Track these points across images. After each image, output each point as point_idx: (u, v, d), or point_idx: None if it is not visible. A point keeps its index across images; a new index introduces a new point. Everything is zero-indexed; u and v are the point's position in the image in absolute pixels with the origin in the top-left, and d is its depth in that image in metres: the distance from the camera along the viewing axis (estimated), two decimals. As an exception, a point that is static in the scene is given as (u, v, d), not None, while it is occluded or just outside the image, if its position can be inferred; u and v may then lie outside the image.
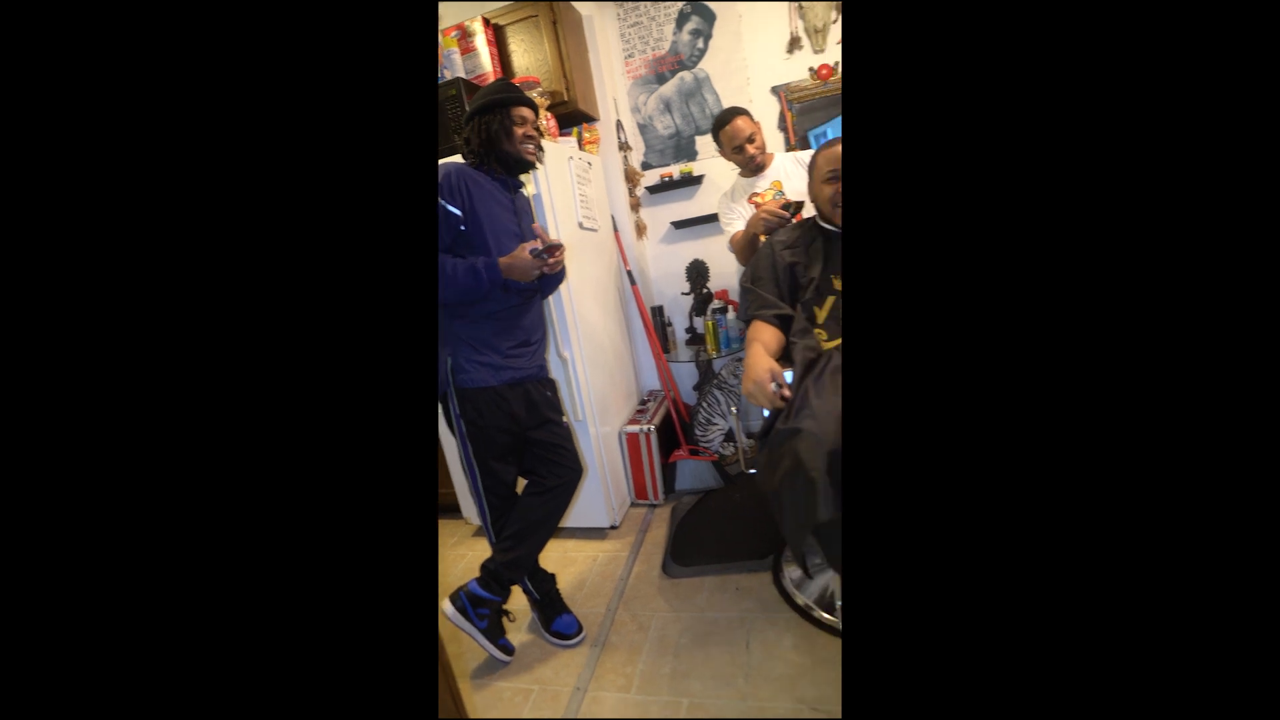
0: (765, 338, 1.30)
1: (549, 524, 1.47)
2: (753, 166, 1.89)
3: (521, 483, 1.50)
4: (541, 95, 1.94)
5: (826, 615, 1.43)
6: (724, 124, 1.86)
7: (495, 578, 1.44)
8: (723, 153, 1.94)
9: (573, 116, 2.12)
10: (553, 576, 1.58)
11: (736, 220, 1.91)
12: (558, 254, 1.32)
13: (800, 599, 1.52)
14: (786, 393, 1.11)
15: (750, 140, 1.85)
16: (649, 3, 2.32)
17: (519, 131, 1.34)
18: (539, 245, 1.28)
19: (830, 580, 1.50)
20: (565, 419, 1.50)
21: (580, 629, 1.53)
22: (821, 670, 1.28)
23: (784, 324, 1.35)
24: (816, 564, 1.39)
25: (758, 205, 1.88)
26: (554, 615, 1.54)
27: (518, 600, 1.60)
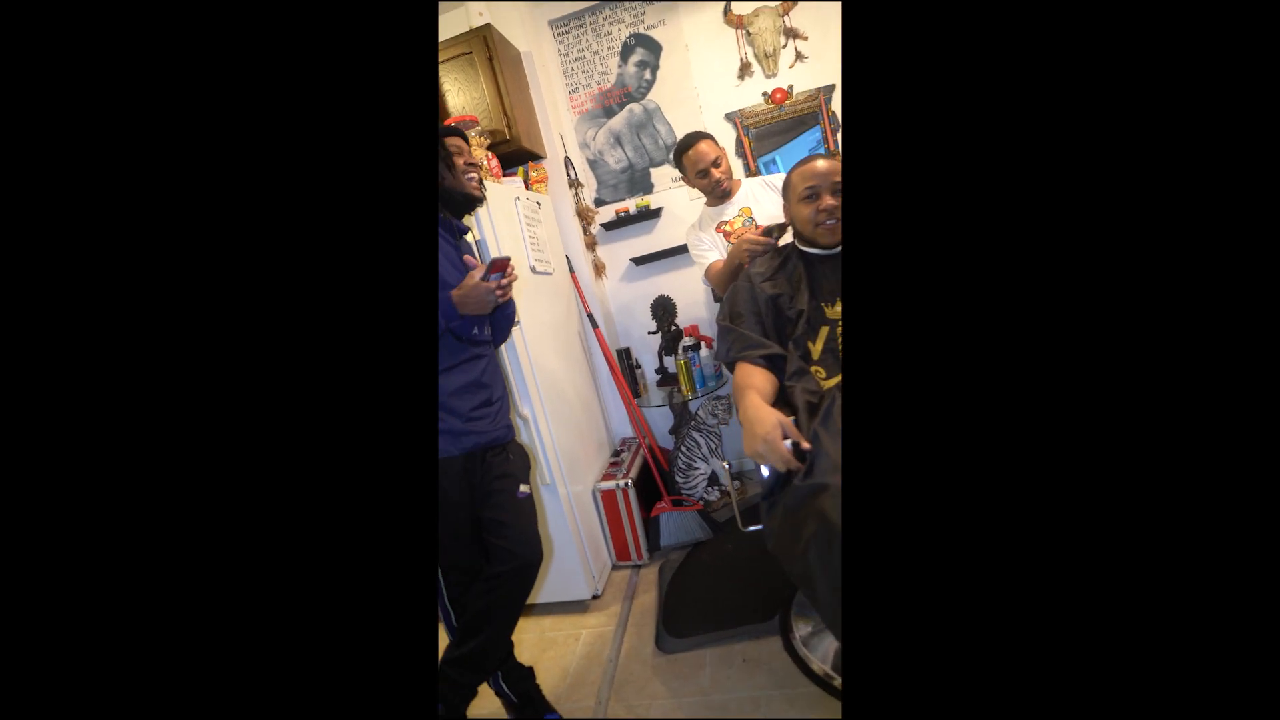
0: (758, 383, 1.14)
1: (497, 616, 1.21)
2: (719, 193, 1.78)
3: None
4: (480, 134, 1.80)
5: (849, 686, 1.25)
6: (687, 148, 1.76)
7: (442, 676, 1.18)
8: (687, 179, 1.83)
9: (517, 155, 1.99)
10: (530, 671, 1.36)
11: (710, 251, 1.78)
12: (509, 271, 1.13)
13: (817, 665, 1.34)
14: (805, 444, 0.95)
15: (715, 165, 1.74)
16: (591, 38, 2.24)
17: (459, 161, 1.18)
18: (483, 268, 1.11)
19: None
20: (524, 488, 1.29)
21: (568, 734, 1.30)
22: (857, 761, 1.10)
23: (773, 364, 1.20)
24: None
25: (727, 235, 1.77)
26: (535, 719, 1.31)
27: (489, 703, 1.36)
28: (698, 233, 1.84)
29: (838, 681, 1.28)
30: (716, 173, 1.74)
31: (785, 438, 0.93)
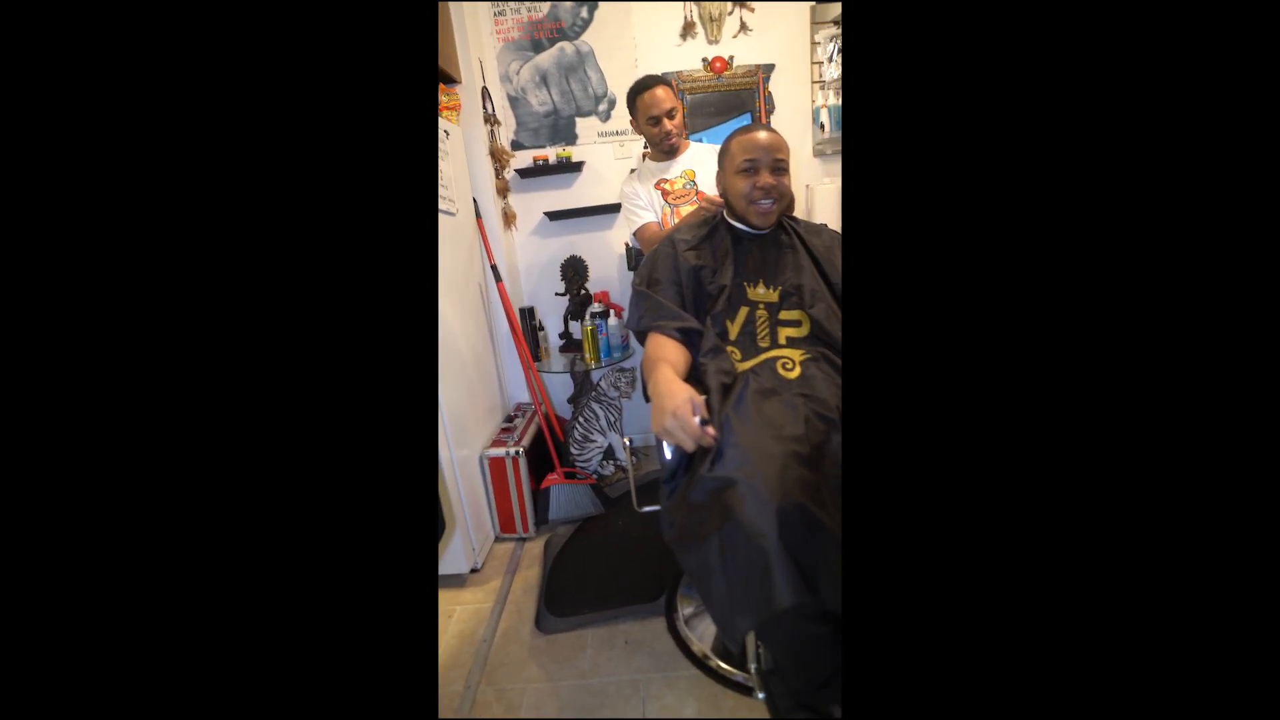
0: (671, 356, 1.06)
1: None
2: (666, 146, 1.66)
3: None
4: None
5: (728, 668, 1.25)
6: (643, 90, 1.61)
7: None
8: (635, 125, 1.69)
9: (428, 73, 1.74)
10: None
11: (646, 211, 1.66)
12: None
13: (697, 646, 1.33)
14: (713, 432, 0.87)
15: (669, 115, 1.62)
16: (524, -44, 2.00)
17: None
18: None
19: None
20: None
21: (430, 722, 1.18)
22: (732, 746, 1.09)
23: (688, 339, 1.13)
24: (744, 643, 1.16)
25: (665, 194, 1.66)
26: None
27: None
28: (634, 184, 1.71)
29: (715, 663, 1.27)
30: (669, 124, 1.62)
31: (696, 415, 0.86)
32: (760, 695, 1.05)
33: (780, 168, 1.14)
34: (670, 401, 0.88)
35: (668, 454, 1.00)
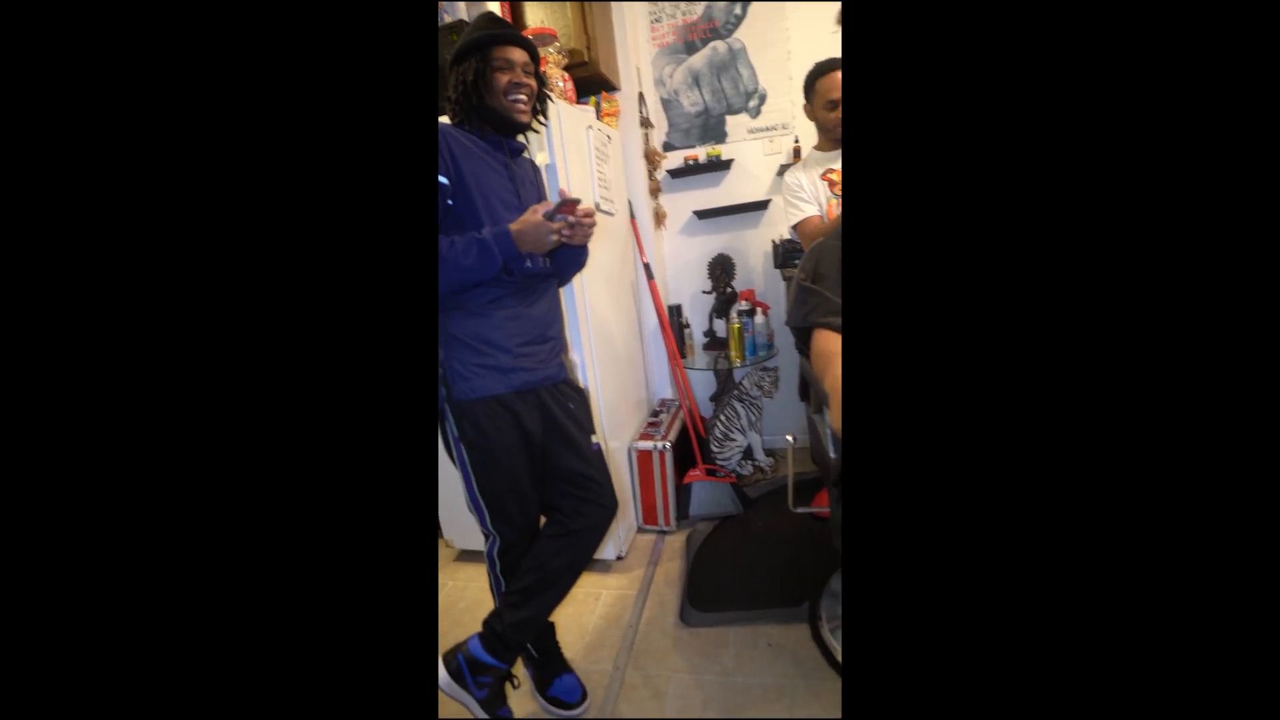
0: (840, 352, 1.02)
1: (569, 575, 1.15)
2: (839, 134, 1.60)
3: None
4: (559, 52, 1.65)
5: (886, 690, 1.18)
6: (823, 73, 1.56)
7: (502, 640, 1.12)
8: (809, 110, 1.65)
9: (592, 82, 1.84)
10: (552, 626, 1.31)
11: (809, 204, 1.62)
12: (582, 216, 1.01)
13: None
14: None
15: None
16: (681, -40, 2.04)
17: (502, 80, 1.03)
18: (550, 206, 0.98)
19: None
20: (598, 440, 1.20)
21: (584, 694, 1.26)
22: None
23: None
24: None
25: (832, 184, 1.61)
26: (553, 676, 1.27)
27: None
28: (799, 175, 1.66)
29: (871, 682, 1.20)
30: None
31: None
32: None
33: None
34: None
35: (835, 451, 0.97)
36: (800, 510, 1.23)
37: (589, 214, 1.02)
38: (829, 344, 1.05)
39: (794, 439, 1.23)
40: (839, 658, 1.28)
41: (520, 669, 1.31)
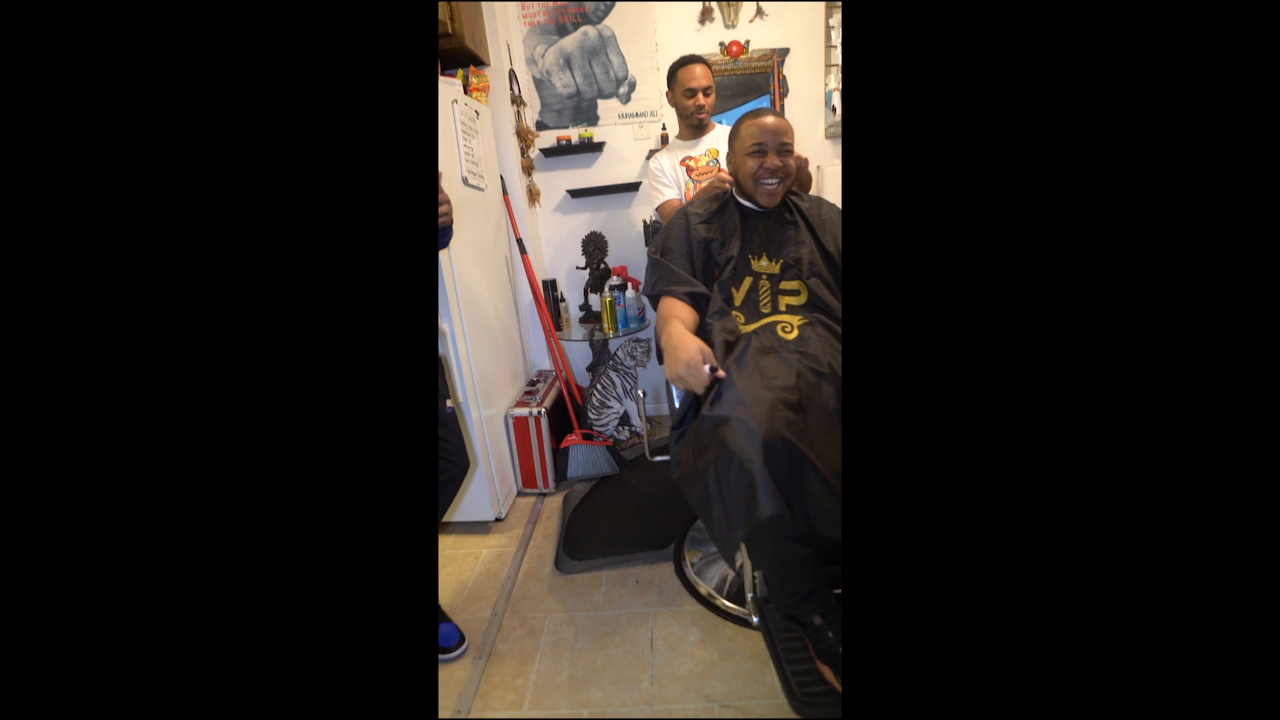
0: (682, 315, 1.18)
1: None
2: (696, 121, 1.78)
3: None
4: (424, 23, 1.65)
5: (730, 605, 1.38)
6: (684, 64, 1.74)
7: None
8: (670, 97, 1.82)
9: (458, 55, 1.85)
10: (429, 582, 1.37)
11: (669, 188, 1.79)
12: (441, 201, 1.08)
13: (703, 588, 1.46)
14: (721, 372, 1.00)
15: (705, 93, 1.74)
16: (550, -57, 2.09)
17: None
18: None
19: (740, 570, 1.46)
20: (450, 403, 1.28)
21: (461, 639, 1.34)
22: (730, 664, 1.23)
23: (695, 302, 1.25)
24: (740, 564, 1.31)
25: (690, 170, 1.78)
26: (430, 626, 1.34)
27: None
28: (661, 160, 1.83)
29: (720, 601, 1.40)
30: (703, 99, 1.75)
31: (705, 363, 0.98)
32: (754, 619, 1.18)
33: (786, 150, 1.24)
34: (684, 352, 1.01)
35: (677, 402, 1.13)
36: (657, 459, 1.39)
37: (440, 204, 1.07)
38: (669, 308, 1.21)
39: (644, 392, 1.38)
40: (699, 589, 1.47)
41: None
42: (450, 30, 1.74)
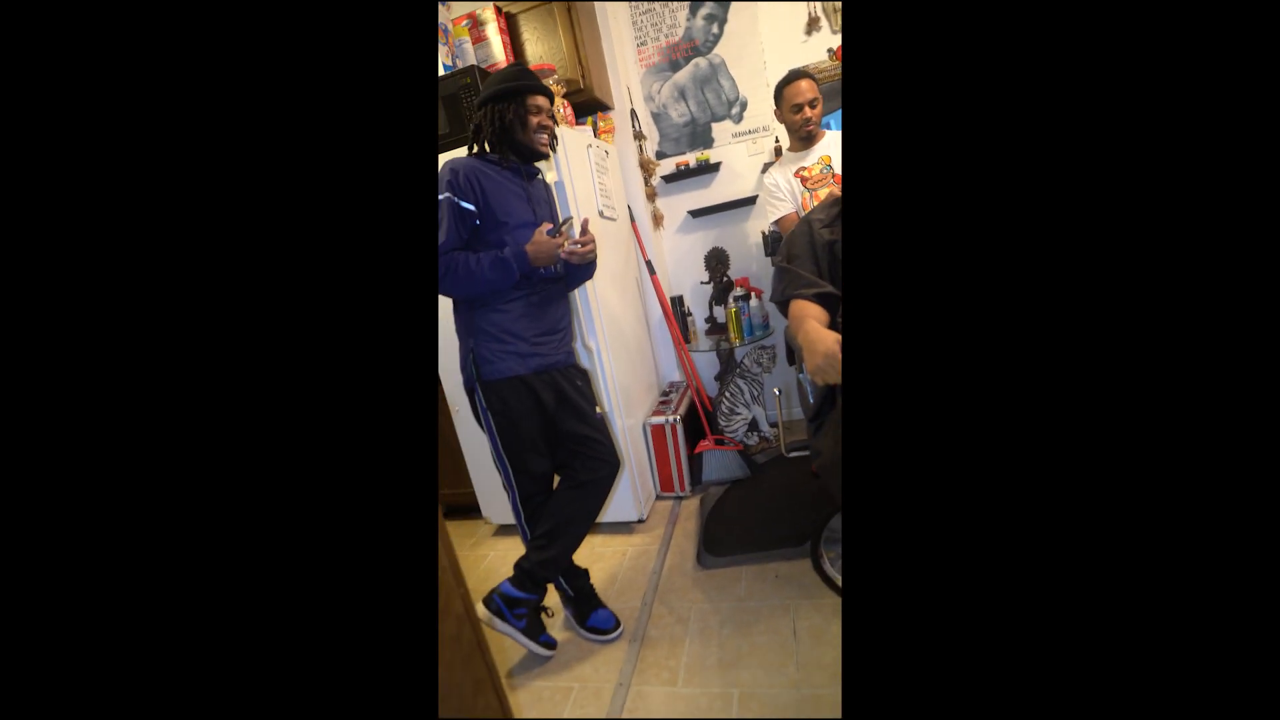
0: (815, 314, 1.25)
1: (584, 520, 1.42)
2: (804, 133, 1.86)
3: (556, 478, 1.45)
4: (557, 83, 1.90)
5: (873, 601, 1.39)
6: (789, 82, 1.84)
7: (530, 576, 1.39)
8: (779, 114, 1.91)
9: (588, 105, 2.09)
10: (585, 572, 1.54)
11: (784, 202, 1.88)
12: (584, 236, 1.28)
13: (842, 582, 1.48)
14: None
15: (811, 105, 1.83)
16: (660, -11, 2.29)
17: (534, 121, 1.31)
18: (551, 226, 1.25)
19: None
20: (600, 409, 1.46)
21: (618, 623, 1.48)
22: (876, 656, 1.24)
23: (825, 303, 1.30)
24: None
25: (804, 180, 1.85)
26: (589, 611, 1.50)
27: (551, 599, 1.56)
28: (775, 175, 1.92)
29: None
30: (810, 112, 1.82)
31: (842, 355, 1.04)
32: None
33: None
34: (821, 345, 1.08)
35: (811, 399, 1.19)
36: (793, 454, 1.45)
37: (587, 241, 1.28)
38: (801, 309, 1.28)
39: (779, 391, 1.45)
40: (838, 583, 1.49)
41: (555, 603, 1.57)
42: (582, 85, 1.98)
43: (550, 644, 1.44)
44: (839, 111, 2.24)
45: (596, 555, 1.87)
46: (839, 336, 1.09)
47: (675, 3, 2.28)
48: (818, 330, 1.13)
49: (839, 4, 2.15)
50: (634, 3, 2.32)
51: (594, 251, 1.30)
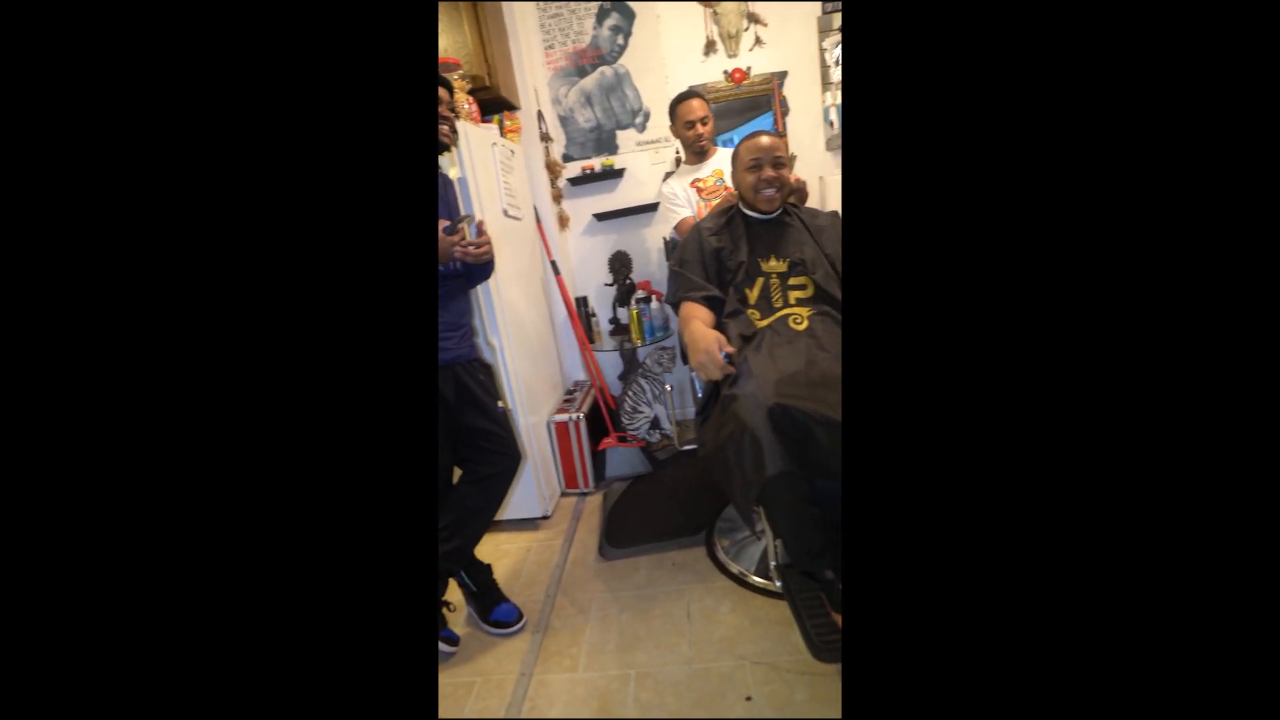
0: (701, 315, 1.36)
1: (485, 514, 1.43)
2: (697, 148, 1.99)
3: (457, 472, 1.45)
4: (462, 78, 1.89)
5: (759, 579, 1.52)
6: (683, 100, 1.96)
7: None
8: (674, 129, 2.03)
9: (494, 103, 2.09)
10: (488, 567, 1.55)
11: (683, 207, 1.99)
12: (480, 238, 1.26)
13: (734, 568, 1.60)
14: (733, 351, 1.17)
15: (703, 122, 1.95)
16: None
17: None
18: (447, 224, 1.25)
19: (765, 547, 1.59)
20: (503, 404, 1.47)
21: (520, 616, 1.51)
22: (758, 628, 1.36)
23: (712, 305, 1.42)
24: (760, 529, 1.46)
25: (700, 190, 1.97)
26: (492, 605, 1.51)
27: (453, 594, 1.55)
28: (673, 185, 2.04)
29: (750, 578, 1.54)
30: (701, 129, 1.95)
31: (721, 351, 1.15)
32: (777, 583, 1.32)
33: (780, 163, 1.42)
34: (703, 343, 1.18)
35: (699, 393, 1.29)
36: (686, 448, 1.55)
37: (482, 243, 1.25)
38: (689, 310, 1.39)
39: (670, 386, 1.55)
40: (731, 570, 1.61)
41: (457, 599, 1.57)
42: (488, 83, 1.98)
43: (452, 639, 1.43)
44: (740, 128, 2.40)
45: (501, 551, 1.88)
46: (718, 335, 1.21)
47: (583, 6, 2.34)
48: (701, 330, 1.24)
49: (732, 33, 2.31)
50: (542, 2, 2.35)
51: (489, 253, 1.30)
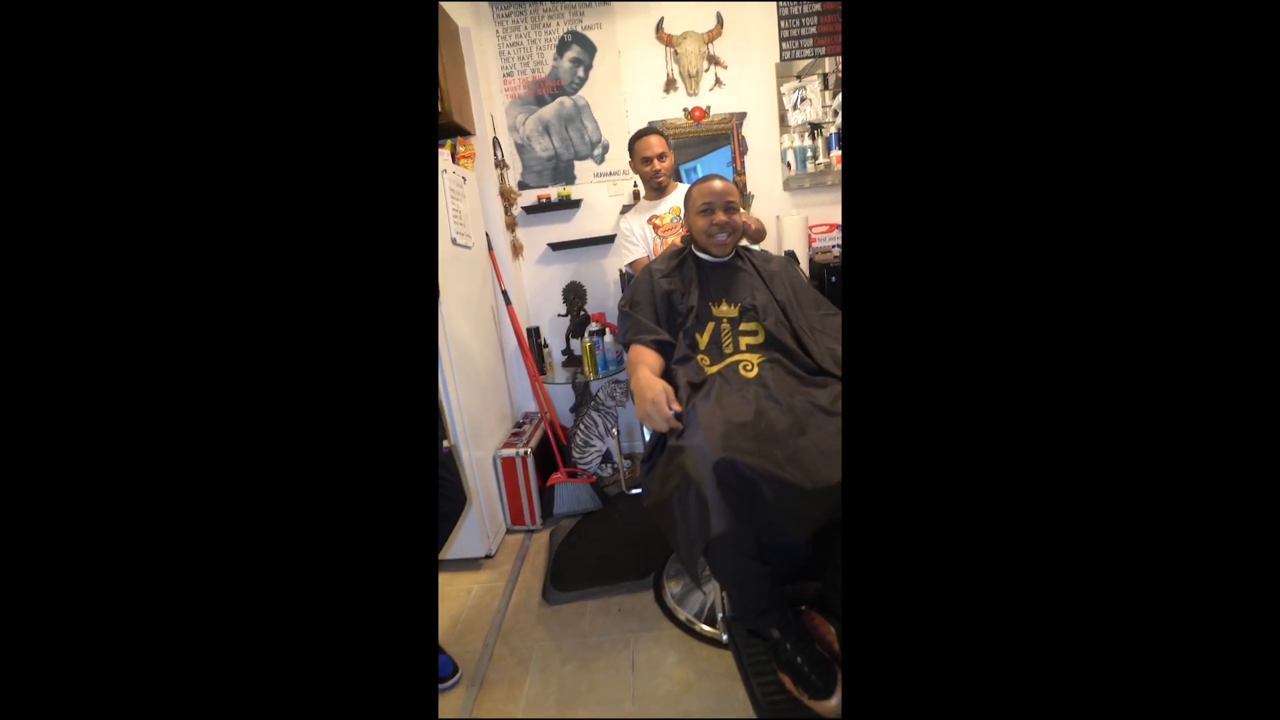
0: (649, 360, 1.33)
1: None
2: (655, 184, 1.99)
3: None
4: (415, 103, 1.84)
5: (707, 628, 1.48)
6: (641, 136, 1.97)
7: None
8: (633, 165, 2.04)
9: (447, 128, 2.04)
10: (423, 616, 1.46)
11: (637, 247, 1.99)
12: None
13: (682, 614, 1.56)
14: (679, 407, 1.14)
15: (660, 158, 1.95)
16: (530, 26, 2.32)
17: None
18: None
19: (711, 595, 1.56)
20: (448, 444, 1.40)
21: (455, 669, 1.42)
22: (705, 682, 1.32)
23: (661, 349, 1.40)
24: (706, 576, 1.43)
25: (656, 227, 1.96)
26: (425, 658, 1.42)
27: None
28: (630, 221, 2.04)
29: (698, 626, 1.50)
30: (659, 165, 1.96)
31: (669, 405, 1.12)
32: (724, 637, 1.29)
33: (731, 208, 1.42)
34: (649, 392, 1.15)
35: (646, 439, 1.26)
36: (635, 491, 1.51)
37: None
38: (637, 354, 1.36)
39: (616, 432, 1.51)
40: (678, 615, 1.57)
41: None
42: (441, 108, 1.93)
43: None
44: (702, 158, 2.43)
45: (440, 596, 1.78)
46: (665, 385, 1.18)
47: (543, 36, 2.33)
48: (648, 378, 1.21)
49: (693, 72, 2.35)
50: (501, 35, 2.33)
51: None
